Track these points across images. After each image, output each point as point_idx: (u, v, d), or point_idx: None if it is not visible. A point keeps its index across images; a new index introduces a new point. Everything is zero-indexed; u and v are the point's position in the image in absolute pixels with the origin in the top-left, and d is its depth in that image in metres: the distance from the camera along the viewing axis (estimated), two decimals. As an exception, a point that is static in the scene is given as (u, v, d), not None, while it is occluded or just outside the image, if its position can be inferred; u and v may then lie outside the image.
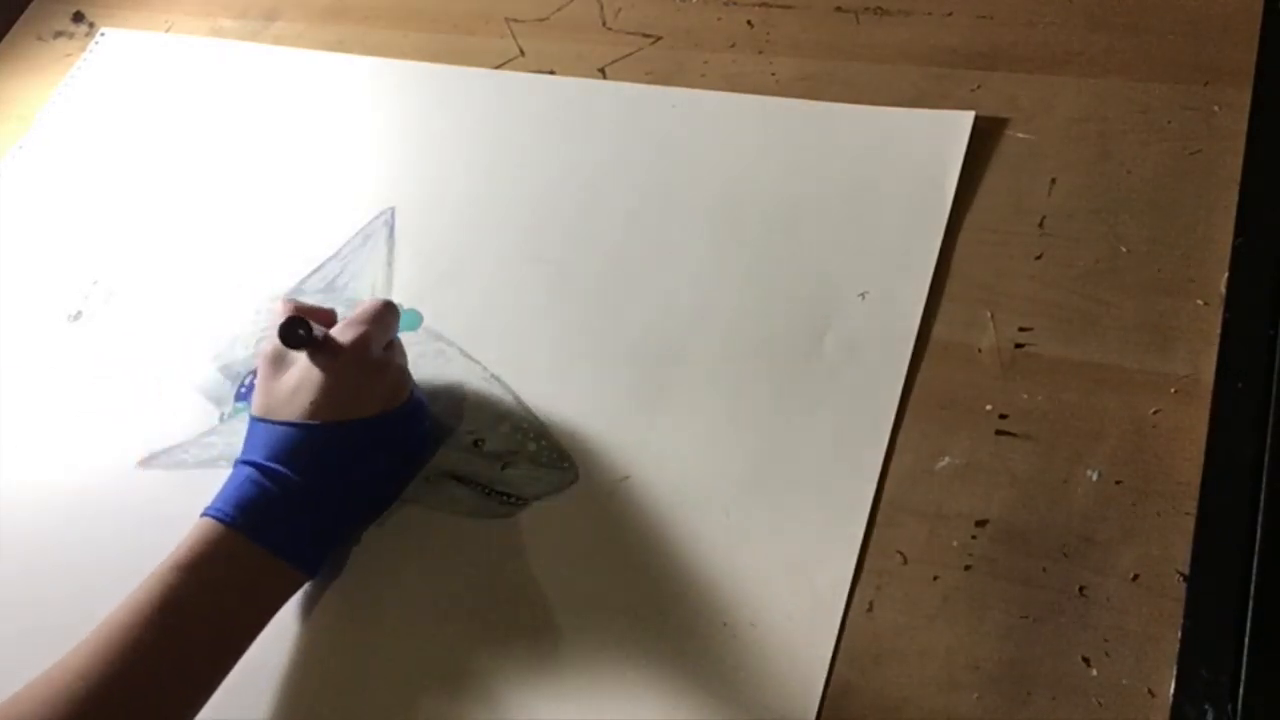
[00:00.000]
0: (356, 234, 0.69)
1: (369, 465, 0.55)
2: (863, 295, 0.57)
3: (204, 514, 0.52)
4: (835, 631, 0.49)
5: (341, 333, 0.55)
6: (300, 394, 0.54)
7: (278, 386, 0.55)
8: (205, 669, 0.49)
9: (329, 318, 0.59)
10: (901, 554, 0.50)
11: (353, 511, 0.56)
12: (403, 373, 0.57)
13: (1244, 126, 0.56)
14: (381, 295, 0.66)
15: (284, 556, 0.52)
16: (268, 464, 0.52)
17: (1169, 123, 0.58)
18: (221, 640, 0.50)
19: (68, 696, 0.46)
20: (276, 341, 0.55)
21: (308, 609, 0.56)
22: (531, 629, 0.53)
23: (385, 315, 0.57)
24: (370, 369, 0.55)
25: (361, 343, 0.55)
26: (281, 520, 0.52)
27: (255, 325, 0.67)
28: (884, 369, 0.55)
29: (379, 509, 0.57)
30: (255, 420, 0.55)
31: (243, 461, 0.53)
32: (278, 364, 0.56)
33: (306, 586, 0.55)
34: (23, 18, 0.91)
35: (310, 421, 0.53)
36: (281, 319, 0.55)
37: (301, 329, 0.54)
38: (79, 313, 0.72)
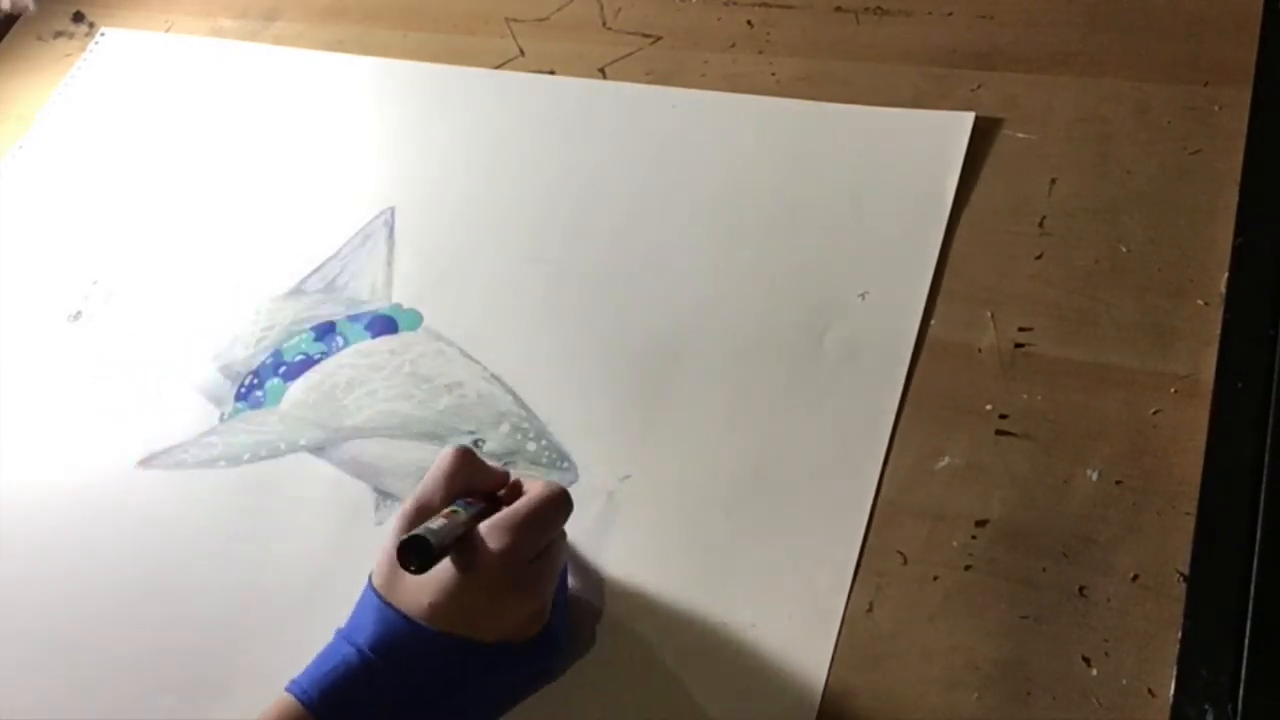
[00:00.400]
0: (356, 234, 0.69)
1: (478, 695, 0.48)
2: (863, 295, 0.57)
3: (287, 688, 0.46)
4: (835, 632, 0.49)
5: (492, 534, 0.47)
6: (427, 589, 0.46)
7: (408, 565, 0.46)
8: None
9: (497, 482, 0.51)
10: (901, 554, 0.50)
11: None
12: (545, 600, 0.48)
13: (1244, 126, 0.56)
14: (381, 295, 0.65)
15: None
16: (365, 651, 0.46)
17: (1169, 123, 0.58)
18: None
19: None
20: (416, 503, 0.48)
21: (308, 610, 0.56)
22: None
23: (549, 513, 0.48)
24: (509, 588, 0.47)
25: (508, 556, 0.46)
26: (358, 715, 0.46)
27: (255, 325, 0.67)
28: (884, 369, 0.55)
29: None
30: (372, 592, 0.48)
31: (344, 637, 0.47)
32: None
33: (296, 583, 0.55)
34: (23, 18, 0.91)
35: (427, 625, 0.46)
36: (443, 471, 0.49)
37: (417, 558, 0.45)
38: (79, 313, 0.72)
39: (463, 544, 0.47)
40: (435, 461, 0.50)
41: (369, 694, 0.45)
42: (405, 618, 0.46)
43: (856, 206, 0.60)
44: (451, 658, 0.46)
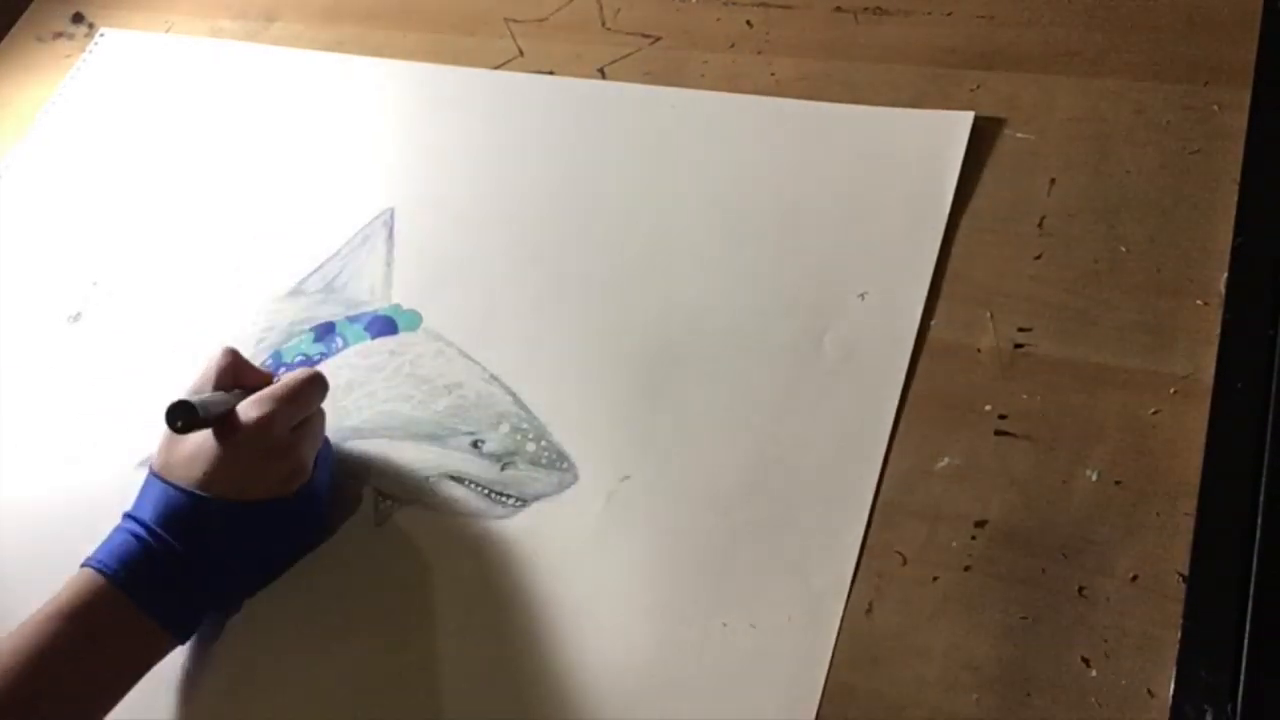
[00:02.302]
0: (356, 234, 0.69)
1: (251, 547, 0.55)
2: (862, 296, 0.57)
3: (85, 564, 0.52)
4: (834, 632, 0.49)
5: (248, 408, 0.54)
6: (197, 462, 0.53)
7: (179, 447, 0.54)
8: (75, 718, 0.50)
9: (262, 380, 0.58)
10: (901, 554, 0.50)
11: (230, 587, 0.56)
12: (302, 462, 0.55)
13: (1244, 126, 0.55)
14: (381, 295, 0.66)
15: (158, 620, 0.52)
16: (154, 527, 0.52)
17: (1169, 123, 0.58)
18: (93, 692, 0.50)
19: None
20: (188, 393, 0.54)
21: (305, 608, 0.56)
22: (529, 631, 0.53)
23: (305, 391, 0.55)
24: (267, 453, 0.53)
25: (263, 424, 0.53)
26: (160, 585, 0.52)
27: (254, 326, 0.67)
28: (884, 369, 0.55)
29: (256, 587, 0.57)
30: (152, 475, 0.54)
31: (131, 516, 0.53)
32: (183, 439, 0.54)
33: (296, 583, 0.56)
34: (23, 18, 0.91)
35: (200, 493, 0.52)
36: (211, 368, 0.56)
37: (182, 416, 0.51)
38: (79, 314, 0.72)
39: (226, 419, 0.53)
40: (205, 362, 0.57)
41: (159, 561, 0.51)
42: (181, 489, 0.53)
43: (856, 207, 0.60)
44: (224, 518, 0.53)
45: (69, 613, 0.50)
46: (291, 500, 0.55)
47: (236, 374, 0.57)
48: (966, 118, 0.60)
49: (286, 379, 0.56)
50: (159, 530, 0.52)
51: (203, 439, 0.53)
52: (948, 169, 0.59)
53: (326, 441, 0.59)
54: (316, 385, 0.56)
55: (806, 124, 0.64)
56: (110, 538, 0.53)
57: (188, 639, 0.54)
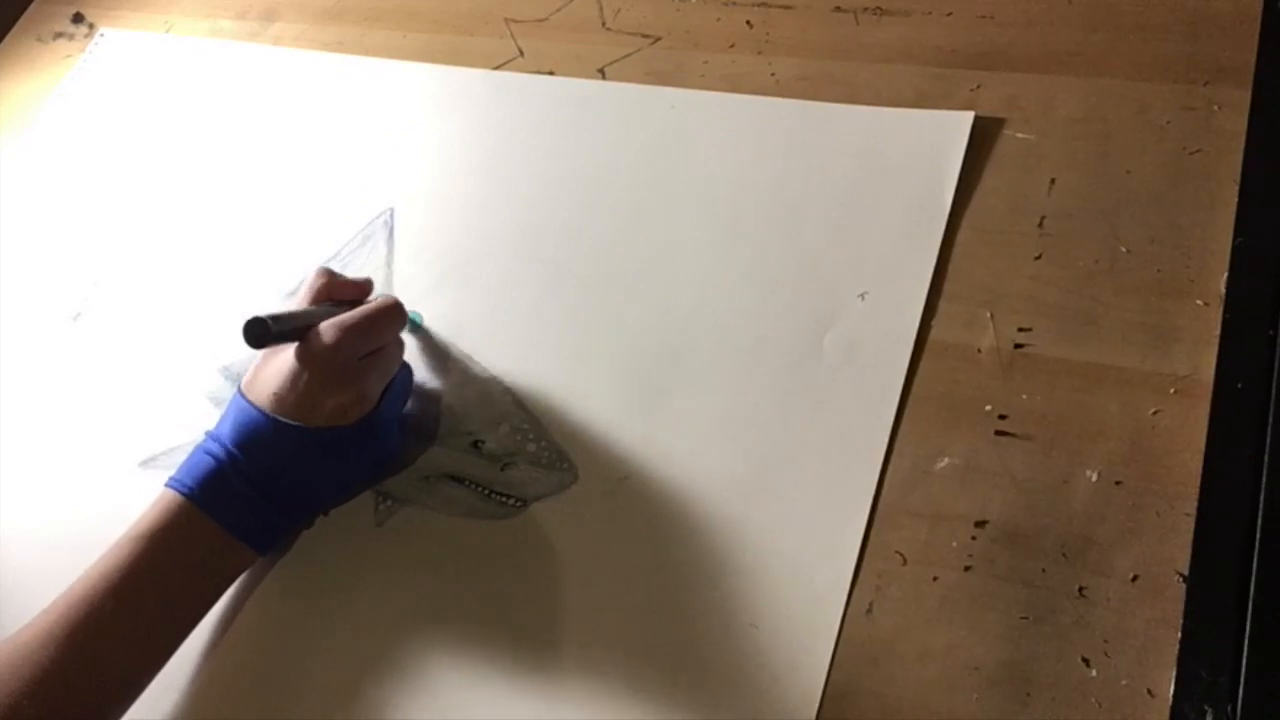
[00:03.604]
0: (356, 234, 0.69)
1: (317, 471, 0.56)
2: (862, 296, 0.57)
3: (167, 484, 0.54)
4: (835, 632, 0.49)
5: (326, 330, 0.54)
6: (272, 381, 0.54)
7: (266, 366, 0.55)
8: (160, 636, 0.52)
9: (357, 293, 0.59)
10: (901, 555, 0.50)
11: (303, 505, 0.57)
12: (365, 392, 0.55)
13: (1244, 126, 0.55)
14: (381, 296, 0.66)
15: (235, 533, 0.54)
16: (228, 445, 0.54)
17: (1169, 123, 0.58)
18: (177, 608, 0.53)
19: (33, 661, 0.48)
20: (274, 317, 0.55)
21: (305, 608, 0.56)
22: (530, 630, 0.53)
23: (379, 321, 0.56)
24: (329, 380, 0.54)
25: (329, 350, 0.54)
26: (236, 501, 0.53)
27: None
28: (884, 369, 0.55)
29: (328, 507, 0.59)
30: (238, 393, 0.56)
31: (211, 435, 0.55)
32: (285, 355, 0.55)
33: (297, 584, 0.56)
34: (23, 18, 0.91)
35: (271, 414, 0.54)
36: (307, 287, 0.57)
37: (254, 330, 0.52)
38: (79, 314, 0.72)
39: (305, 337, 0.54)
40: (304, 281, 0.58)
41: (234, 479, 0.53)
42: (256, 408, 0.54)
43: (856, 206, 0.60)
44: (289, 441, 0.54)
45: (149, 532, 0.52)
46: (352, 429, 0.55)
47: (330, 292, 0.58)
48: (967, 118, 0.60)
49: (365, 306, 0.56)
50: (233, 448, 0.53)
51: (281, 360, 0.54)
52: (948, 169, 0.59)
53: (408, 369, 0.60)
54: (393, 315, 0.57)
55: (806, 124, 0.64)
56: (190, 456, 0.54)
57: (268, 551, 0.56)
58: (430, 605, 0.55)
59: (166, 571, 0.52)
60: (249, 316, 0.52)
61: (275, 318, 0.53)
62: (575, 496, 0.56)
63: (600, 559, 0.54)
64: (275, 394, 0.54)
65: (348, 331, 0.54)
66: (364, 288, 0.60)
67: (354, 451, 0.56)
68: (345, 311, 0.56)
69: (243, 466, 0.53)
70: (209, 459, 0.53)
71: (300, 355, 0.54)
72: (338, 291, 0.58)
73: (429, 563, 0.56)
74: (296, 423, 0.53)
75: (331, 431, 0.54)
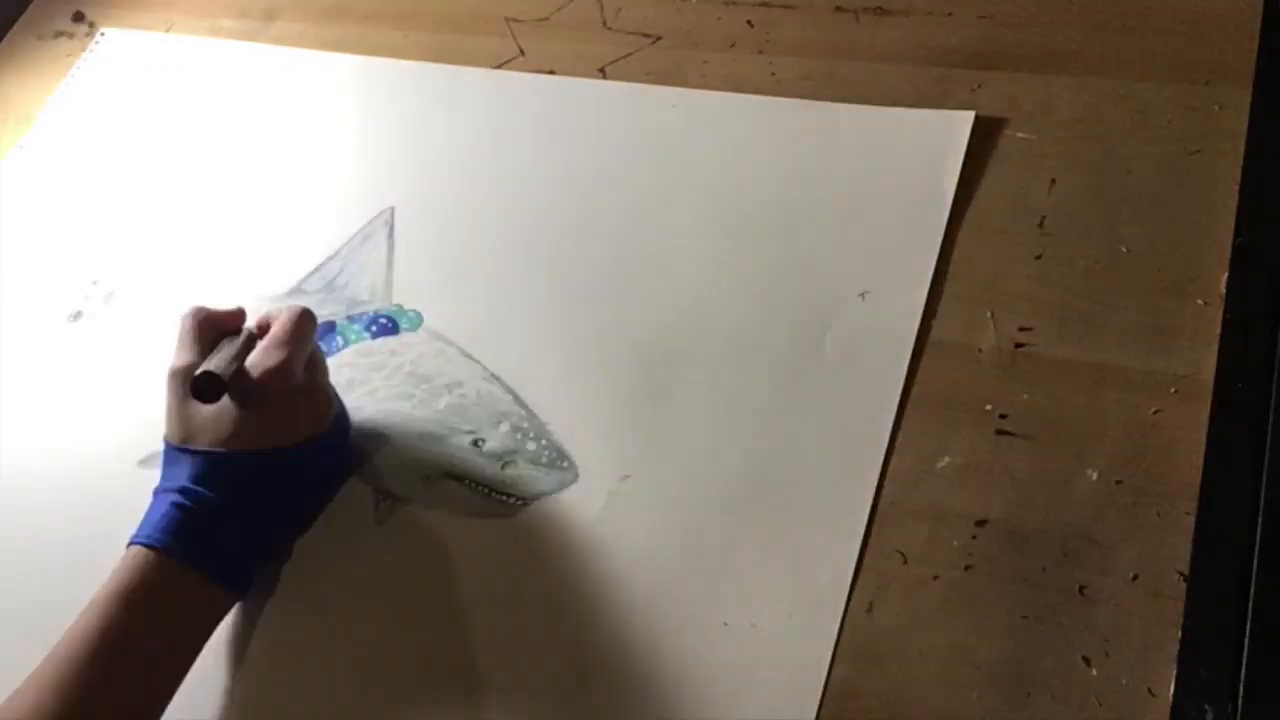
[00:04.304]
0: (356, 234, 0.69)
1: (295, 490, 0.56)
2: (863, 295, 0.57)
3: (132, 542, 0.52)
4: (835, 631, 0.49)
5: (262, 358, 0.54)
6: (222, 423, 0.53)
7: (196, 415, 0.54)
8: (150, 695, 0.50)
9: (237, 320, 0.58)
10: (901, 554, 0.50)
11: (276, 532, 0.56)
12: (327, 395, 0.57)
13: (1244, 126, 0.55)
14: (381, 295, 0.66)
15: (215, 578, 0.52)
16: (192, 487, 0.52)
17: (1169, 123, 0.58)
18: (163, 666, 0.51)
19: None
20: (181, 360, 0.55)
21: (305, 608, 0.56)
22: (529, 630, 0.53)
23: (303, 329, 0.55)
24: (295, 396, 0.54)
25: (283, 369, 0.54)
26: (209, 542, 0.52)
27: (255, 326, 0.67)
28: (884, 369, 0.55)
29: (303, 528, 0.57)
30: (174, 448, 0.54)
31: (164, 490, 0.53)
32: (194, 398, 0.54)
33: (297, 583, 0.56)
34: (23, 18, 0.91)
35: (236, 451, 0.53)
36: (189, 332, 0.56)
37: (209, 386, 0.52)
38: (79, 313, 0.72)
39: (238, 375, 0.53)
40: (180, 326, 0.57)
41: (209, 521, 0.52)
42: (214, 454, 0.53)
43: (856, 206, 0.60)
44: (266, 469, 0.53)
45: (124, 591, 0.50)
46: (327, 435, 0.56)
47: (214, 326, 0.57)
48: (967, 117, 0.60)
49: (282, 322, 0.56)
50: (197, 490, 0.52)
51: (223, 402, 0.53)
52: (949, 168, 0.59)
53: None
54: (311, 320, 0.57)
55: (807, 124, 0.64)
56: (149, 513, 0.53)
57: (246, 591, 0.55)
58: (431, 604, 0.55)
59: (149, 630, 0.50)
60: (195, 374, 0.52)
61: (218, 365, 0.52)
62: (576, 495, 0.56)
63: (601, 557, 0.54)
64: (235, 432, 0.53)
65: (289, 345, 0.54)
66: (242, 313, 0.59)
67: (330, 456, 0.57)
68: (241, 339, 0.56)
69: (210, 506, 0.52)
70: (173, 509, 0.52)
71: (247, 389, 0.53)
72: (221, 323, 0.57)
73: (429, 562, 0.56)
74: (268, 449, 0.53)
75: (313, 443, 0.55)
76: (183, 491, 0.52)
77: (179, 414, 0.55)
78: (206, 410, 0.54)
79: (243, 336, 0.56)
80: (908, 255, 0.58)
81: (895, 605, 0.49)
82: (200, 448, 0.53)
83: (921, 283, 0.56)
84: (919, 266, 0.57)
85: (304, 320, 0.56)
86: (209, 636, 0.53)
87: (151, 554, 0.51)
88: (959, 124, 0.60)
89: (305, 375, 0.55)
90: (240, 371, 0.54)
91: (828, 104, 0.64)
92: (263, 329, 0.58)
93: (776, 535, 0.52)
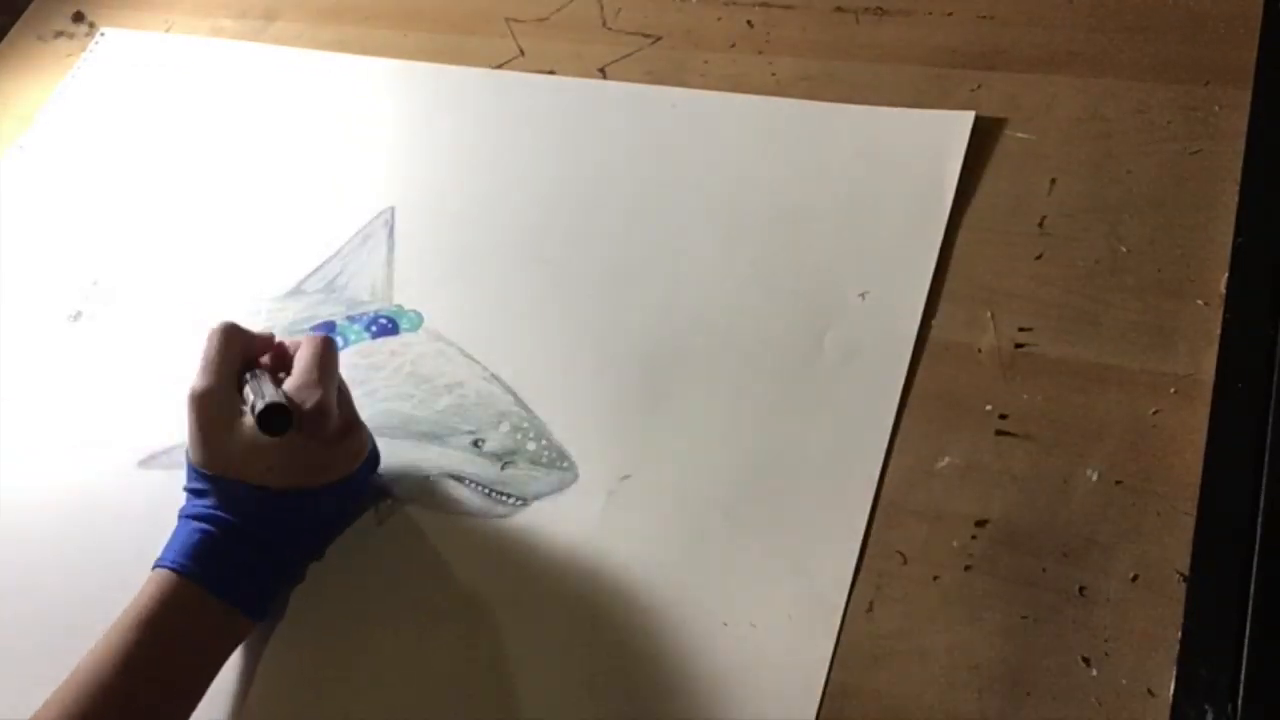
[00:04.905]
0: (356, 234, 0.69)
1: (322, 523, 0.56)
2: (863, 295, 0.57)
3: (159, 565, 0.51)
4: (835, 631, 0.49)
5: (300, 395, 0.52)
6: (261, 456, 0.52)
7: (231, 441, 0.52)
8: (167, 718, 0.50)
9: (266, 345, 0.57)
10: (901, 554, 0.50)
11: (298, 561, 0.56)
12: (362, 432, 0.55)
13: (1244, 126, 0.55)
14: (382, 295, 0.66)
15: (237, 604, 0.51)
16: (221, 515, 0.51)
17: (1169, 123, 0.58)
18: (181, 690, 0.50)
19: None
20: (210, 382, 0.53)
21: (308, 610, 0.56)
22: (530, 628, 0.53)
23: (329, 360, 0.54)
24: (334, 435, 0.53)
25: (324, 409, 0.52)
26: (235, 570, 0.51)
27: (255, 325, 0.67)
28: (884, 369, 0.55)
29: (321, 555, 0.57)
30: (201, 474, 0.52)
31: (190, 515, 0.52)
32: (221, 409, 0.52)
33: (300, 592, 0.56)
34: (23, 17, 0.91)
35: (272, 486, 0.52)
36: (216, 351, 0.53)
37: (280, 416, 0.50)
38: (79, 313, 0.72)
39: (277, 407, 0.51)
40: (209, 343, 0.54)
41: (230, 548, 0.51)
42: (249, 485, 0.51)
43: (856, 206, 0.60)
44: (300, 506, 0.53)
45: (149, 618, 0.49)
46: (361, 469, 0.55)
47: (243, 348, 0.55)
48: (967, 117, 0.60)
49: (311, 353, 0.54)
50: (227, 519, 0.51)
51: (255, 433, 0.51)
52: (948, 168, 0.59)
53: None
54: (334, 350, 0.55)
55: (807, 124, 0.64)
56: (175, 536, 0.52)
57: (265, 618, 0.54)
58: (431, 603, 0.55)
59: (168, 655, 0.50)
60: (265, 405, 0.50)
61: (283, 398, 0.51)
62: (576, 495, 0.56)
63: (600, 557, 0.53)
64: (272, 469, 0.51)
65: (323, 378, 0.53)
66: (270, 340, 0.57)
67: (365, 486, 0.56)
68: (268, 368, 0.55)
69: (242, 536, 0.51)
70: (202, 535, 0.51)
71: (301, 431, 0.51)
72: (248, 345, 0.56)
73: (429, 561, 0.56)
74: (304, 487, 0.52)
75: (352, 477, 0.55)
76: (211, 519, 0.51)
77: (209, 439, 0.52)
78: (242, 440, 0.52)
79: (267, 367, 0.55)
80: (907, 255, 0.58)
81: (895, 605, 0.49)
82: (235, 477, 0.52)
83: (921, 283, 0.56)
84: (919, 267, 0.57)
85: (330, 350, 0.54)
86: (225, 661, 0.52)
87: (178, 579, 0.50)
88: (959, 124, 0.60)
89: (344, 409, 0.54)
90: (289, 406, 0.51)
91: (827, 104, 0.64)
92: (279, 352, 0.57)
93: (776, 535, 0.52)
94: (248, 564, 0.52)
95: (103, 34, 0.87)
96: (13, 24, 0.91)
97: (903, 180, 0.60)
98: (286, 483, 0.52)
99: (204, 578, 0.50)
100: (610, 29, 0.73)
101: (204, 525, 0.51)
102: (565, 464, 0.57)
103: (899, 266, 0.57)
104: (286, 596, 0.56)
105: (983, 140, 0.60)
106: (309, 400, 0.52)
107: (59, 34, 0.89)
